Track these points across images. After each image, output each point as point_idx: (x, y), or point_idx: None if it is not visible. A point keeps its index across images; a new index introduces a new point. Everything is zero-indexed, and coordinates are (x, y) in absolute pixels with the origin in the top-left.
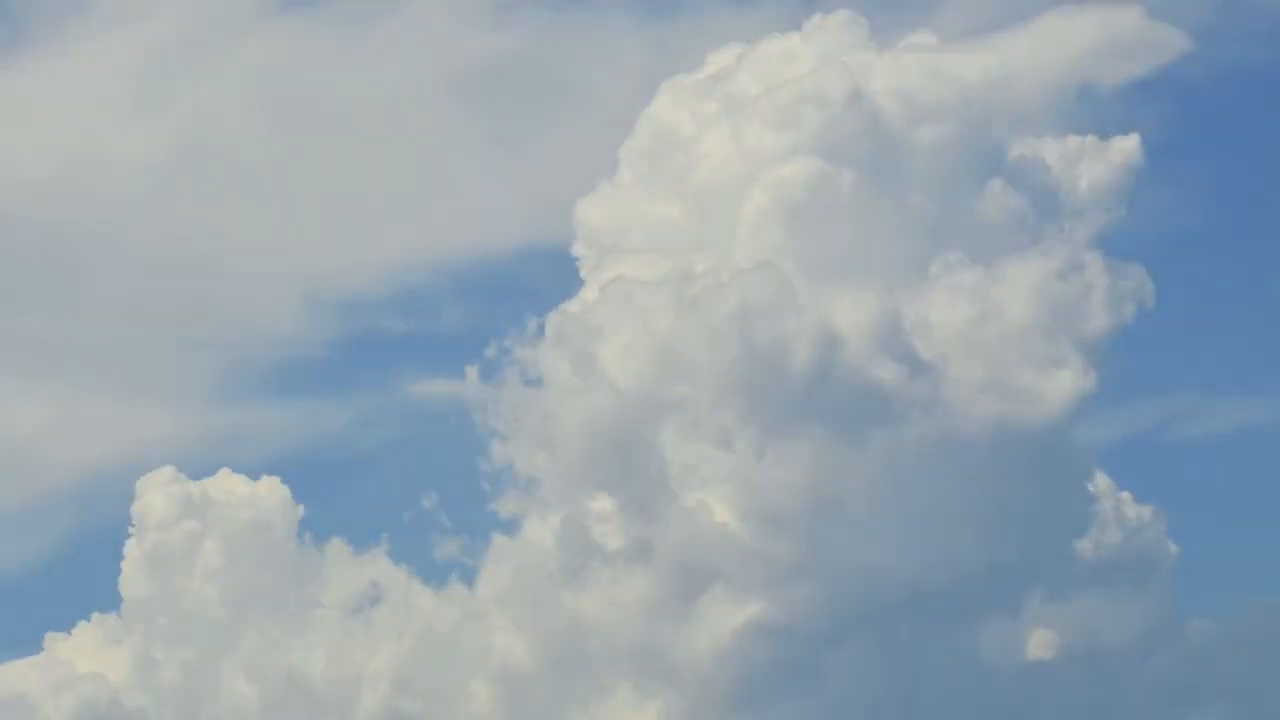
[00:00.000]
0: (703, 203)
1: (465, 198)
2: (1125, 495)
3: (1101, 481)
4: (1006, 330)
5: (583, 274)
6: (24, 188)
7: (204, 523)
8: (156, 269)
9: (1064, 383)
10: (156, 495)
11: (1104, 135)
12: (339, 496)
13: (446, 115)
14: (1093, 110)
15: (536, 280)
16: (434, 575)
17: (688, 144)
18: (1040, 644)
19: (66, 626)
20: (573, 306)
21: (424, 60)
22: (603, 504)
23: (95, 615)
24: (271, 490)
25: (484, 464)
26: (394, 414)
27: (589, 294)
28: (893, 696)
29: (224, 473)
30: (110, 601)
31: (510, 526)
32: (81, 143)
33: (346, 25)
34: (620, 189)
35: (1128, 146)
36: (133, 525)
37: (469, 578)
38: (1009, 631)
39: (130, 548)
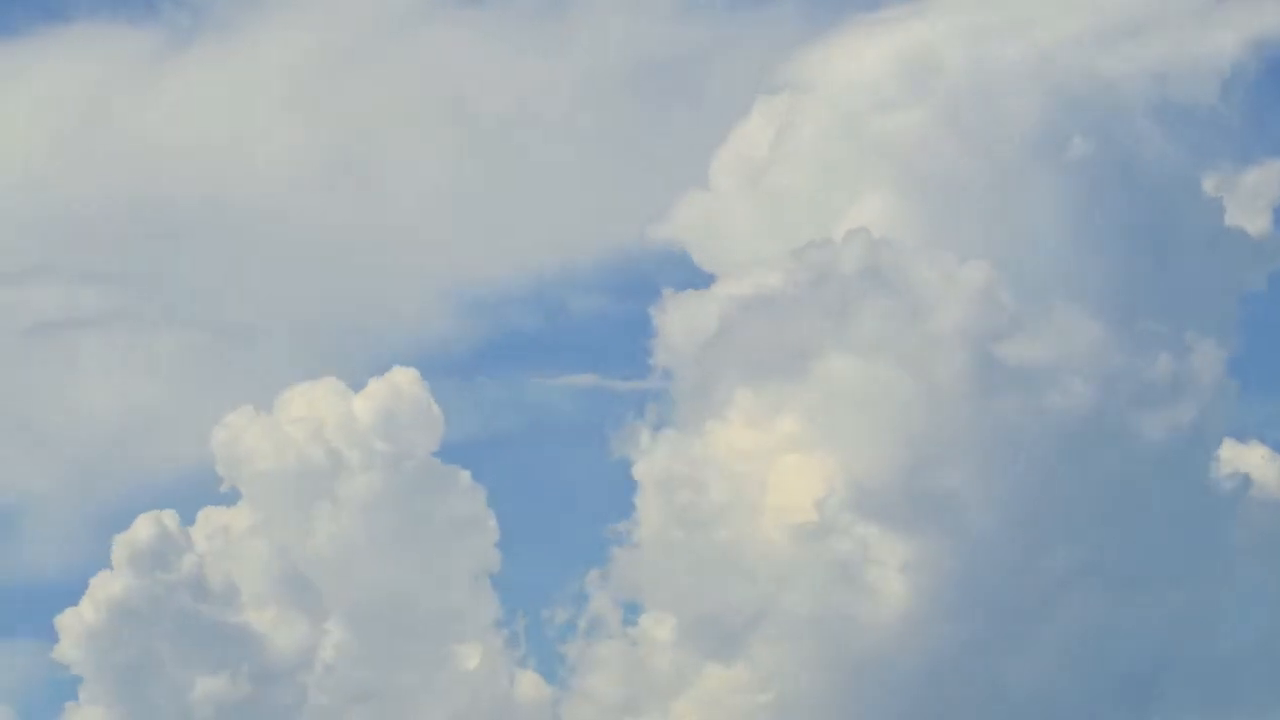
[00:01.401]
0: None
1: (625, 196)
2: None
3: None
4: None
5: None
6: (183, 178)
7: None
8: (312, 261)
9: None
10: None
11: None
12: None
13: (606, 115)
14: None
15: None
16: None
17: None
18: None
19: None
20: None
21: (590, 58)
22: None
23: None
24: None
25: None
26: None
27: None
28: None
29: None
30: None
31: None
32: (245, 134)
33: (511, 24)
34: None
35: None
36: None
37: None
38: None
39: None
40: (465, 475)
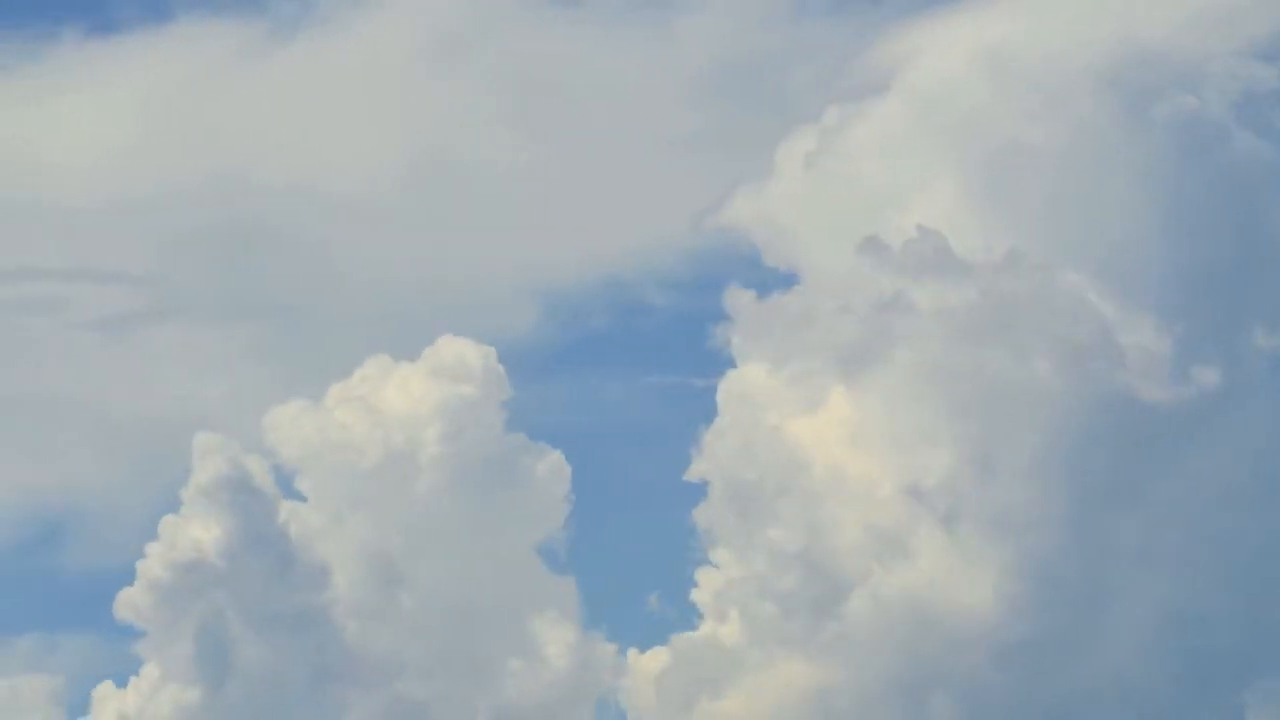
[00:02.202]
0: None
1: (703, 193)
2: None
3: None
4: None
5: None
6: (275, 171)
7: None
8: (393, 254)
9: None
10: None
11: None
12: None
13: (689, 113)
14: None
15: None
16: None
17: None
18: None
19: None
20: None
21: (676, 57)
22: None
23: None
24: None
25: None
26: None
27: None
28: None
29: None
30: None
31: None
32: (336, 128)
33: (602, 23)
34: None
35: None
36: None
37: None
38: None
39: None
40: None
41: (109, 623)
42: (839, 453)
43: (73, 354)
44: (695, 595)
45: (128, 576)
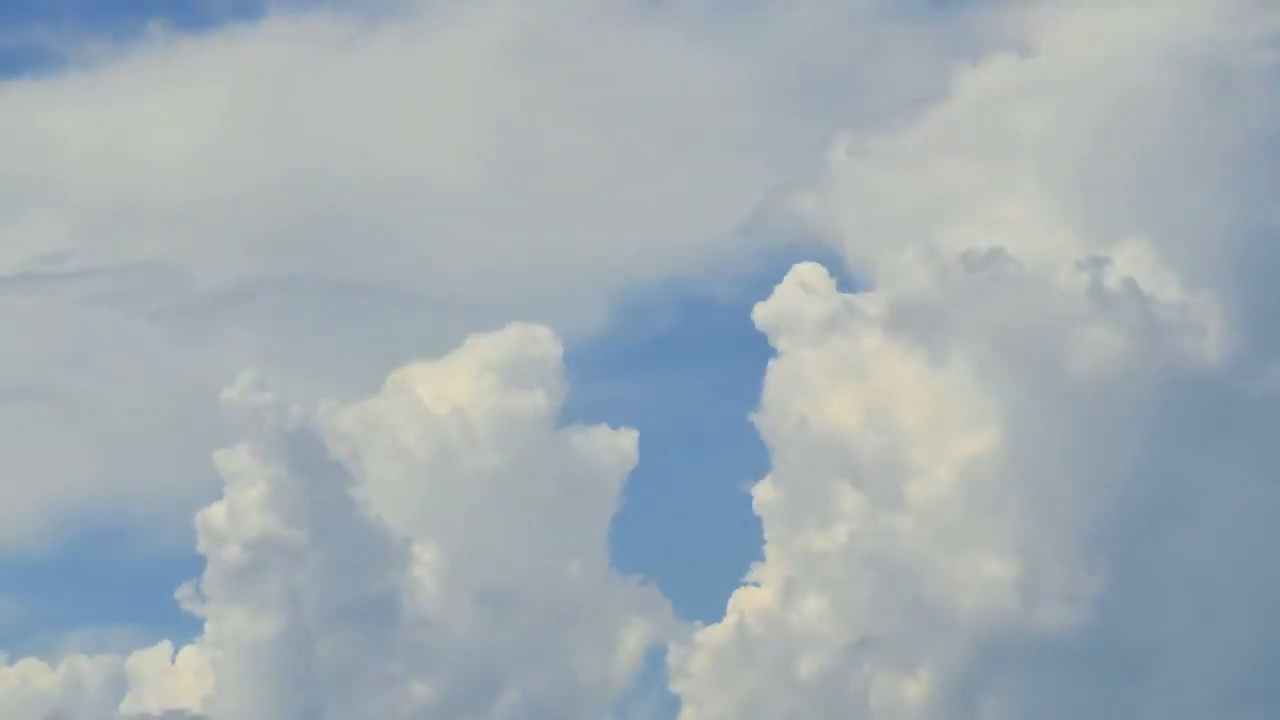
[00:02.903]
0: None
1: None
2: None
3: None
4: None
5: None
6: (359, 164)
7: None
8: (474, 251)
9: None
10: None
11: None
12: None
13: (764, 115)
14: None
15: None
16: None
17: None
18: None
19: None
20: None
21: (757, 57)
22: None
23: None
24: None
25: None
26: None
27: None
28: None
29: None
30: None
31: None
32: (420, 124)
33: (687, 24)
34: None
35: None
36: None
37: None
38: None
39: None
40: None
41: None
42: (897, 440)
43: (155, 344)
44: (755, 577)
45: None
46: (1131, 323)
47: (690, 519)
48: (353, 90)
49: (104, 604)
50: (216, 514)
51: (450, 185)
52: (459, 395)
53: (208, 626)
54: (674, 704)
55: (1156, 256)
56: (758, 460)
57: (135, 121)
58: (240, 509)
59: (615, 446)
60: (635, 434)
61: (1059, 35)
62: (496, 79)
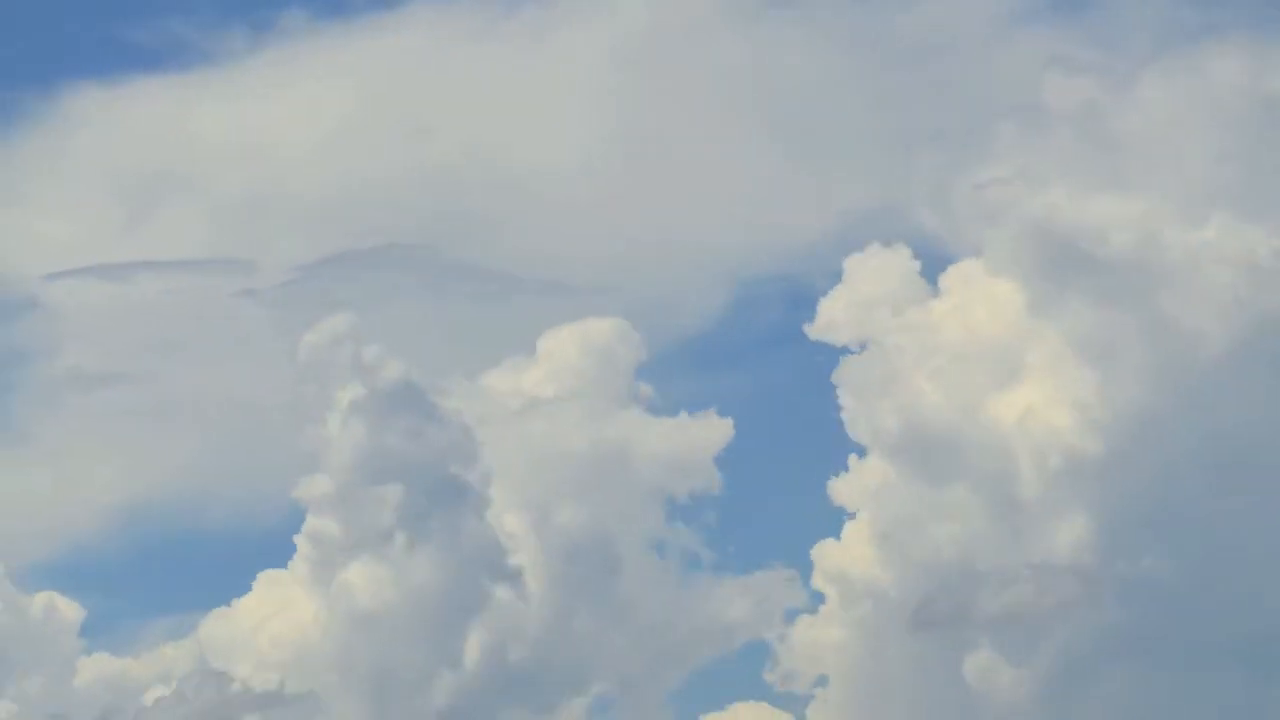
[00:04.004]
0: None
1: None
2: None
3: None
4: None
5: None
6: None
7: None
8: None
9: None
10: None
11: None
12: None
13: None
14: None
15: None
16: None
17: None
18: None
19: None
20: None
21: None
22: None
23: None
24: None
25: None
26: None
27: None
28: None
29: None
30: None
31: None
32: (555, 114)
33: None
34: None
35: None
36: None
37: None
38: None
39: None
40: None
41: None
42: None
43: (282, 333)
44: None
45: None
46: None
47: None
48: (485, 81)
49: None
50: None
51: (574, 176)
52: (560, 380)
53: (304, 598)
54: None
55: None
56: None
57: (270, 114)
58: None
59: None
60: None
61: None
62: (627, 72)
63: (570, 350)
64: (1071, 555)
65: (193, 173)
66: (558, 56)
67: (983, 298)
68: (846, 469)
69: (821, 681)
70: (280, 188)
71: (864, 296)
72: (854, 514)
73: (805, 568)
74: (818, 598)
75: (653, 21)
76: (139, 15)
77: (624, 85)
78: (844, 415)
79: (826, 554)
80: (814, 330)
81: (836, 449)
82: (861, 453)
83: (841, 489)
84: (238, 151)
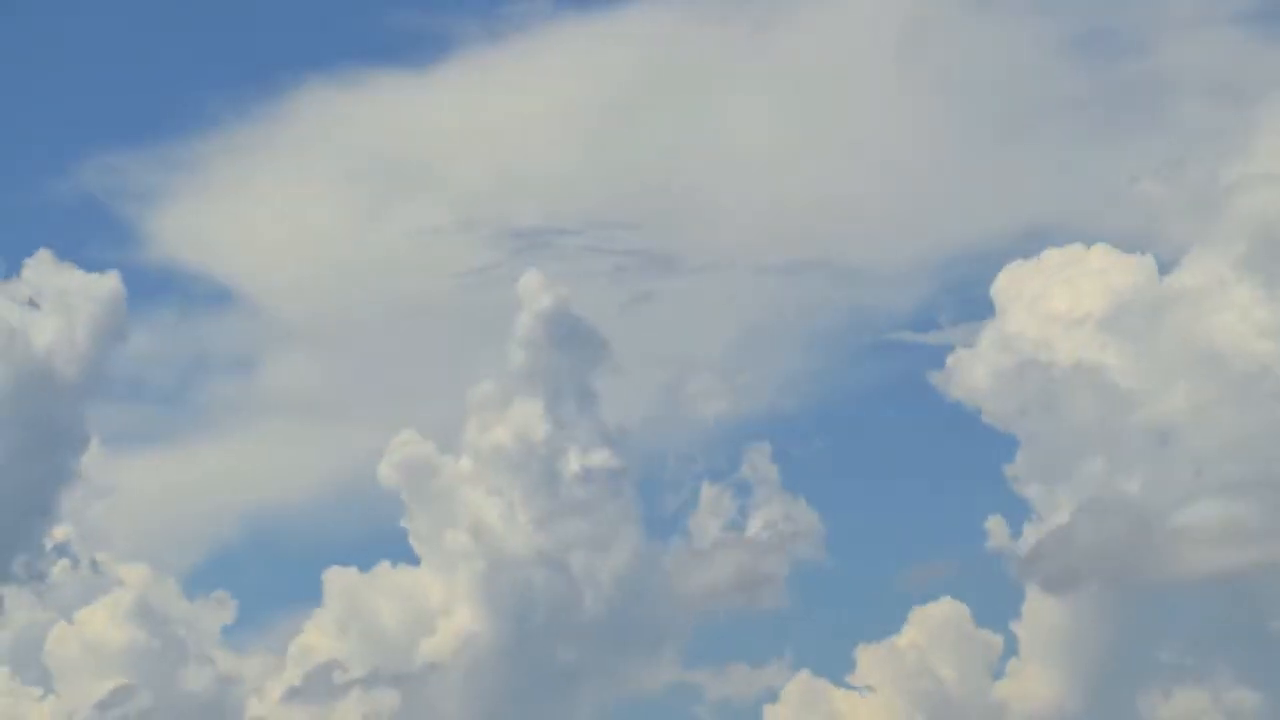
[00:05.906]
0: None
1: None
2: None
3: None
4: None
5: None
6: (717, 145)
7: None
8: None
9: None
10: None
11: None
12: None
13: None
14: None
15: None
16: None
17: None
18: None
19: None
20: None
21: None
22: None
23: None
24: None
25: None
26: None
27: None
28: None
29: None
30: None
31: None
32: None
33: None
34: None
35: None
36: None
37: None
38: None
39: None
40: None
41: None
42: None
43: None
44: None
45: None
46: None
47: None
48: (716, 67)
49: None
50: None
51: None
52: None
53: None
54: None
55: None
56: None
57: (509, 105)
58: None
59: None
60: None
61: None
62: (857, 61)
63: None
64: None
65: (432, 162)
66: (785, 46)
67: None
68: None
69: None
70: (517, 176)
71: None
72: None
73: None
74: None
75: (906, 13)
76: (380, 10)
77: (880, 80)
78: None
79: None
80: None
81: None
82: None
83: None
84: (476, 142)
